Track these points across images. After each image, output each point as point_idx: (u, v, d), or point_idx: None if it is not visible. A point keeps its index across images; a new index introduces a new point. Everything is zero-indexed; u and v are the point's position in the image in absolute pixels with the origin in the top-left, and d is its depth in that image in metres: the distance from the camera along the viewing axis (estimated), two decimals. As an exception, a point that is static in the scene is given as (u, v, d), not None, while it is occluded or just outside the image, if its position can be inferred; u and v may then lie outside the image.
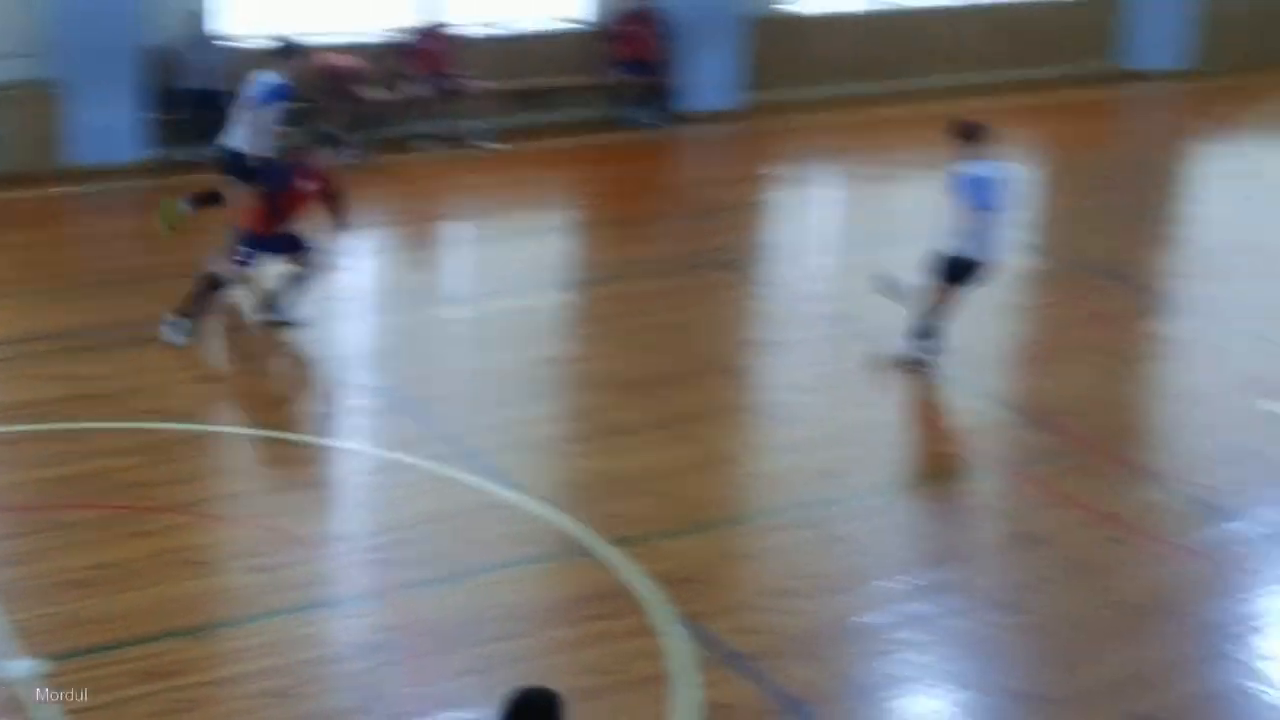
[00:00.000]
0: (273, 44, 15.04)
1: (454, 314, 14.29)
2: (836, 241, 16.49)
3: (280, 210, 13.03)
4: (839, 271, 15.71)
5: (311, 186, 13.07)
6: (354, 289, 14.83)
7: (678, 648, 9.39)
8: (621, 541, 10.46)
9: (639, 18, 19.37)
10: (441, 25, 18.61)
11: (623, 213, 16.69)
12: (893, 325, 14.13)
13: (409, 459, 11.48)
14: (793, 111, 20.27)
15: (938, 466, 11.81)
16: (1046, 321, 14.43)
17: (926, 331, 12.93)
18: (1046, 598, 10.12)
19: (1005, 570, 10.49)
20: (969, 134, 12.66)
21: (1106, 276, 15.36)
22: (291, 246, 13.15)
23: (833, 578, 10.27)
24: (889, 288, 13.11)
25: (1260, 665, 9.64)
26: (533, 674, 9.03)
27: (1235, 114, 21.29)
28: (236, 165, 14.35)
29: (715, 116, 19.82)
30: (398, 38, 18.59)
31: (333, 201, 13.23)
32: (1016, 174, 12.71)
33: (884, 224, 17.03)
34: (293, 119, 14.82)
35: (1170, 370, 13.76)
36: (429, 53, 18.48)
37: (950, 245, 12.78)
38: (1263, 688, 9.39)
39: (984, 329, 14.12)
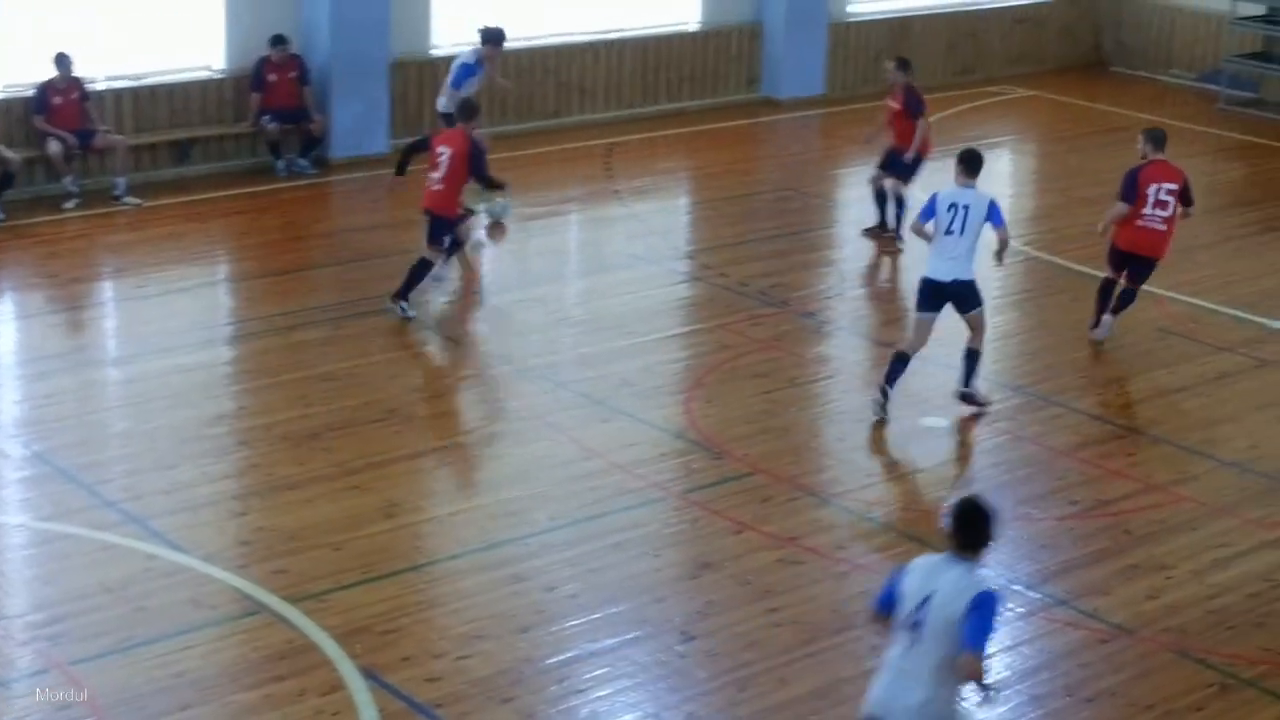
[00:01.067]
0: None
1: (110, 376, 13.88)
2: (498, 281, 16.47)
3: None
4: (501, 312, 15.69)
5: None
6: (6, 354, 14.29)
7: (364, 702, 9.25)
8: (300, 598, 10.28)
9: (281, 65, 19.10)
10: (75, 80, 18.04)
11: (278, 263, 16.41)
12: (559, 360, 14.20)
13: (72, 529, 11.09)
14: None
15: (613, 498, 11.85)
16: (711, 348, 14.62)
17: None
18: (723, 621, 10.27)
19: (682, 598, 10.59)
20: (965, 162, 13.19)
21: (765, 302, 15.66)
22: None
23: (518, 618, 10.26)
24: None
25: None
26: (218, 742, 8.84)
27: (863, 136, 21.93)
28: None
29: (364, 162, 19.65)
30: (28, 93, 17.95)
31: None
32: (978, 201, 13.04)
33: (546, 262, 17.09)
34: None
35: (833, 391, 14.06)
36: (63, 108, 17.89)
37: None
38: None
39: (649, 358, 14.27)
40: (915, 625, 7.38)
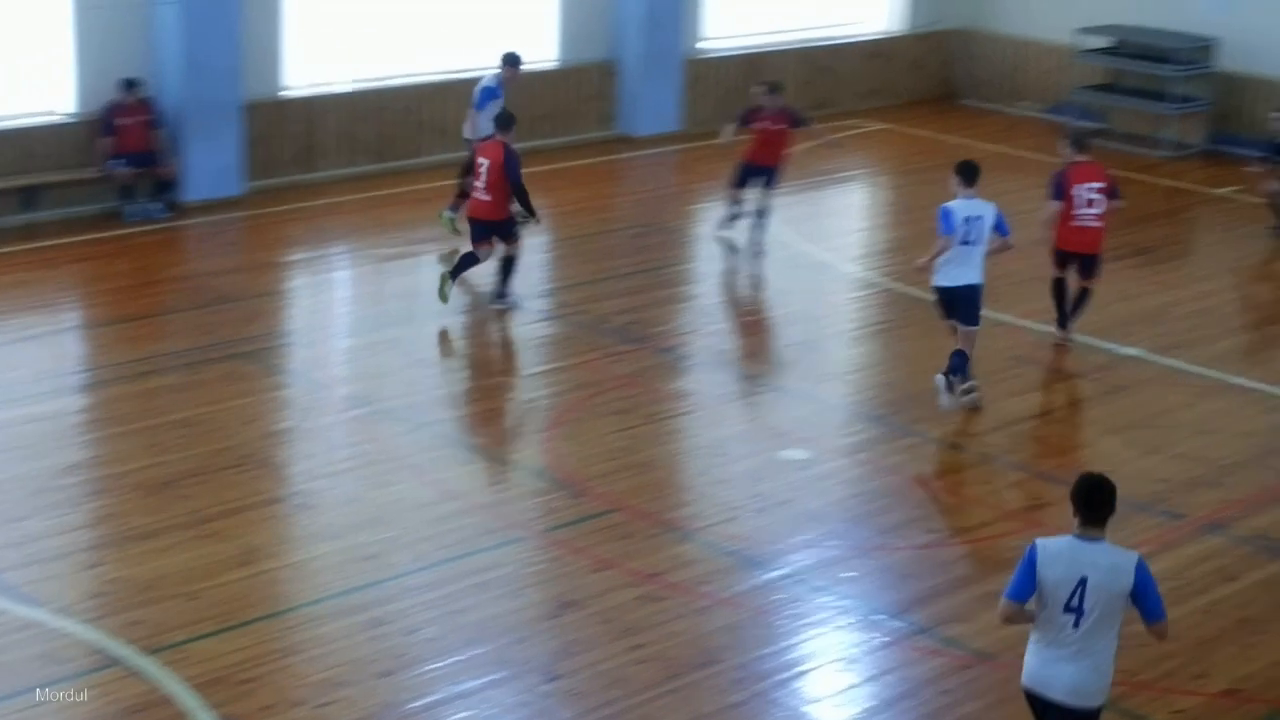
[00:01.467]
0: None
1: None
2: (352, 324, 16.36)
3: None
4: (357, 354, 15.58)
5: None
6: None
7: (224, 753, 9.12)
8: (156, 649, 10.11)
9: (131, 108, 18.87)
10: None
11: (131, 309, 16.19)
12: (417, 402, 14.11)
13: (-82, 585, 10.84)
14: (299, 196, 20.06)
15: (473, 539, 11.78)
16: (570, 385, 14.60)
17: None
18: (586, 660, 10.23)
19: (545, 637, 10.54)
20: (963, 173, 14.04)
21: (624, 338, 15.68)
22: None
23: (379, 662, 10.15)
24: None
25: (806, 708, 9.94)
26: (71, 799, 8.65)
27: (719, 171, 22.10)
28: None
29: (218, 205, 19.45)
30: None
31: None
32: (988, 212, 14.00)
33: (396, 303, 16.94)
34: None
35: (693, 426, 14.09)
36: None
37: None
38: (807, 728, 9.69)
39: (508, 397, 14.22)
40: (1073, 609, 7.96)
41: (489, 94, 18.26)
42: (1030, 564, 8.00)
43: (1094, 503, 8.01)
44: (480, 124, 17.82)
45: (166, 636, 10.26)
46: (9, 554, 11.26)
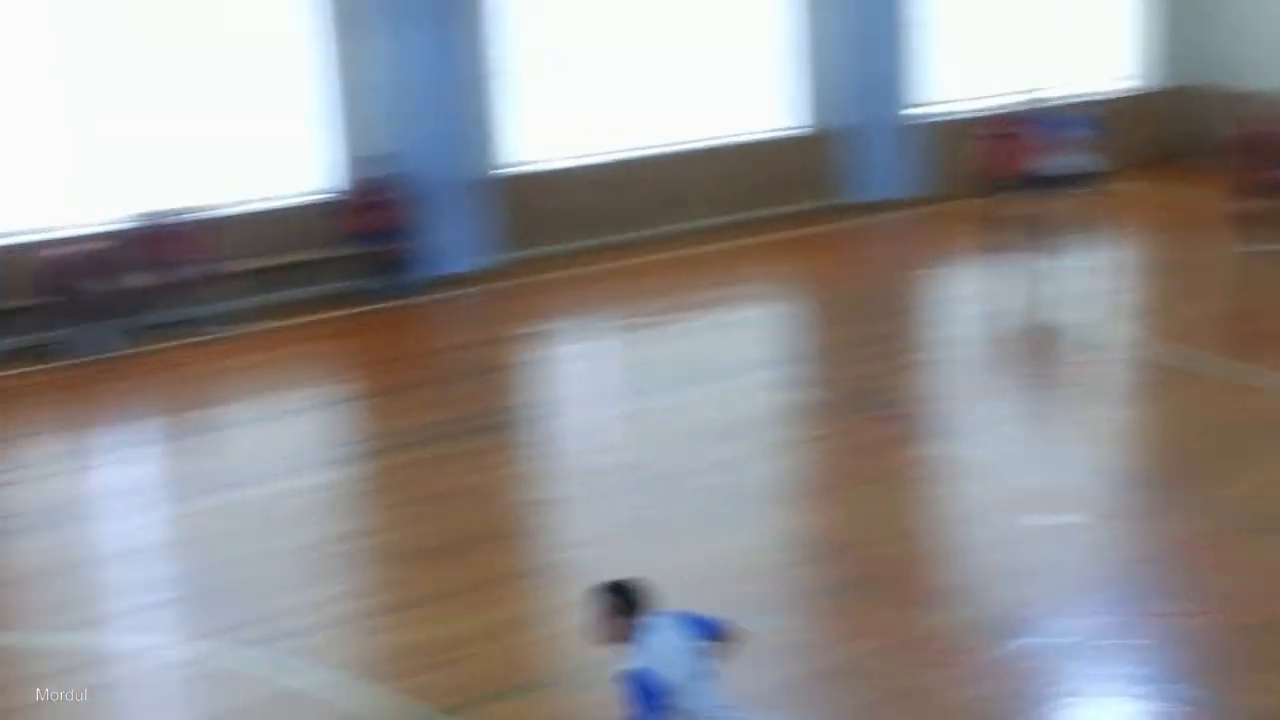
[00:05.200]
0: None
1: (235, 499, 14.00)
2: (606, 393, 16.55)
3: None
4: (612, 423, 15.75)
5: None
6: (130, 482, 14.45)
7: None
8: (450, 710, 10.25)
9: (378, 187, 19.38)
10: (175, 211, 18.40)
11: (384, 384, 16.58)
12: (675, 469, 14.17)
13: (210, 651, 11.15)
14: (543, 268, 20.40)
15: (741, 608, 11.75)
16: (820, 454, 14.63)
17: None
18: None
19: (814, 706, 10.49)
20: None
21: (870, 405, 15.69)
22: None
23: None
24: None
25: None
26: None
27: (960, 238, 22.03)
28: None
29: (466, 279, 19.86)
30: (127, 227, 18.29)
31: None
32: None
33: (649, 371, 17.12)
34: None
35: (944, 493, 14.01)
36: (160, 240, 18.24)
37: None
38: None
39: (760, 466, 14.24)
40: None
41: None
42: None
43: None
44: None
45: (453, 698, 10.41)
46: (291, 619, 11.54)
